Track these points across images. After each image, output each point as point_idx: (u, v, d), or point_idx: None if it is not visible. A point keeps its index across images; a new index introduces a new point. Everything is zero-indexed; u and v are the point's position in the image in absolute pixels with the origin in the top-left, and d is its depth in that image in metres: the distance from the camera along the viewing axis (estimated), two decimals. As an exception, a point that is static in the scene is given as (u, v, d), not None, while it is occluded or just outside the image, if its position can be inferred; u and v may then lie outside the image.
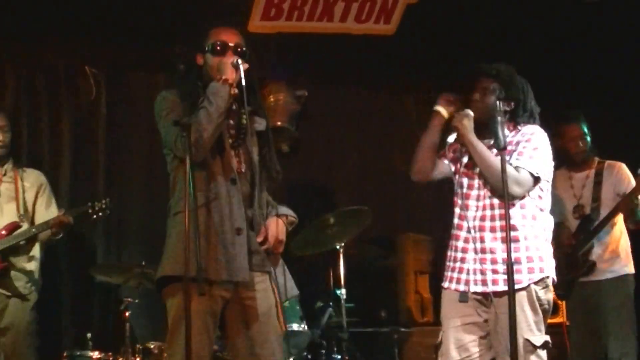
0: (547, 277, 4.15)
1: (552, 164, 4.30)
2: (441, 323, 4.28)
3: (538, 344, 4.05)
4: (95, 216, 5.36)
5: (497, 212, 4.12)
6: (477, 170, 4.20)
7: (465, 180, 4.28)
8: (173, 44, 3.51)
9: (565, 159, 5.64)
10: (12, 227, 5.19)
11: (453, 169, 4.34)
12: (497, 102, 3.99)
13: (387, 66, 6.83)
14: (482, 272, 4.12)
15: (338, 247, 5.83)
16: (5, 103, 6.33)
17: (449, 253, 4.23)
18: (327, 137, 7.26)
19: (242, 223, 3.59)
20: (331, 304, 5.90)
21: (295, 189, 5.97)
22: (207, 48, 3.72)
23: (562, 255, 5.35)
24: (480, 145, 4.14)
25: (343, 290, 5.81)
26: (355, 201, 6.48)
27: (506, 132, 4.12)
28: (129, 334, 5.45)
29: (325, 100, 7.21)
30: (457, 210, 4.28)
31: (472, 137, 4.15)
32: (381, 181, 7.31)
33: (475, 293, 4.10)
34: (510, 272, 3.75)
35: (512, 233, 4.02)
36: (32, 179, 5.45)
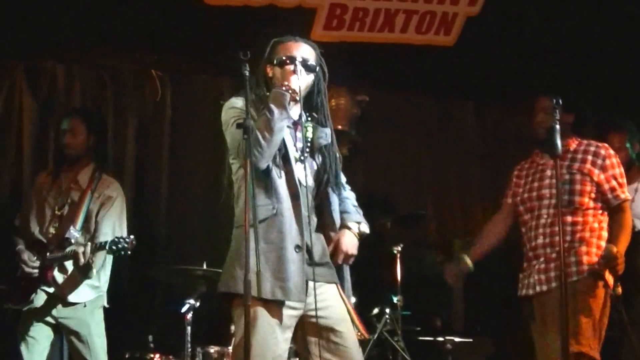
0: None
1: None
2: None
3: None
4: (117, 254, 5.06)
5: None
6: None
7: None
8: (236, 49, 3.57)
9: None
10: (60, 243, 5.11)
11: None
12: (555, 110, 4.09)
13: (447, 74, 6.85)
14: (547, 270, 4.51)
15: (395, 251, 5.84)
16: (75, 106, 6.47)
17: None
18: (386, 142, 7.30)
19: (301, 240, 3.57)
20: (387, 310, 5.89)
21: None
22: (275, 61, 3.76)
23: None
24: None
25: (399, 297, 5.82)
26: (414, 206, 6.52)
27: (572, 145, 4.46)
28: (190, 337, 5.46)
29: (385, 105, 7.25)
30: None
31: None
32: (439, 187, 7.34)
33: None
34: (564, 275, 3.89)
35: None
36: (103, 189, 5.31)
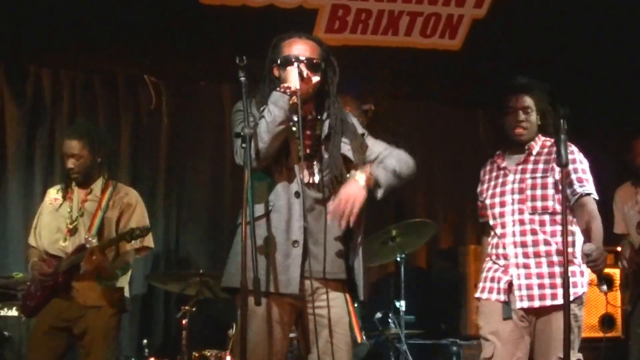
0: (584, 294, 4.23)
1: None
2: (485, 337, 4.31)
3: None
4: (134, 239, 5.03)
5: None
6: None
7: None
8: (237, 55, 3.52)
9: (633, 173, 5.63)
10: (77, 250, 5.11)
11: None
12: (562, 121, 4.02)
13: (455, 80, 6.82)
14: (529, 287, 4.22)
15: (399, 258, 5.83)
16: (63, 113, 6.43)
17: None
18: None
19: (299, 235, 3.56)
20: (390, 315, 5.88)
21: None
22: (279, 62, 3.70)
23: (629, 271, 5.35)
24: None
25: (402, 302, 5.82)
26: (421, 214, 6.48)
27: (539, 144, 4.34)
28: (186, 342, 5.47)
29: (393, 113, 7.23)
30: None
31: None
32: (447, 194, 7.31)
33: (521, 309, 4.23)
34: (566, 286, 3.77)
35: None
36: (119, 197, 5.29)
